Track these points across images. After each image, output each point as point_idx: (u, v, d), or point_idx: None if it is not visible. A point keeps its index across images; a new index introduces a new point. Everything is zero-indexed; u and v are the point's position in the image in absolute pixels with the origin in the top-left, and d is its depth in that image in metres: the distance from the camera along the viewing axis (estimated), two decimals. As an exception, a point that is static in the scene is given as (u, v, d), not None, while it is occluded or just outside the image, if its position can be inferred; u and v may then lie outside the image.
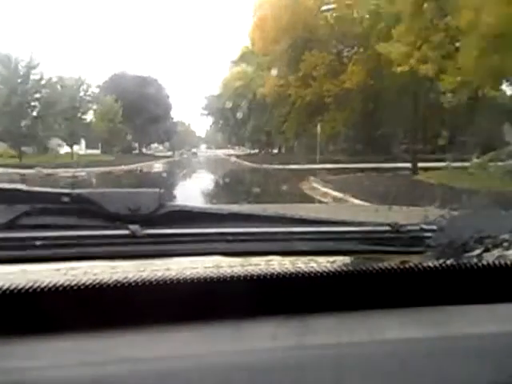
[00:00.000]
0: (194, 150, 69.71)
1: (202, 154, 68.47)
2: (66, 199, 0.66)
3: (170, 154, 60.82)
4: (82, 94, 32.81)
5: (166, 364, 0.50)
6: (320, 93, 25.56)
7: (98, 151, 40.40)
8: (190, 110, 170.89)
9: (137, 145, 46.35)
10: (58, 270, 0.60)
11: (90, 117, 34.08)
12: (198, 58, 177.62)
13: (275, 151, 44.83)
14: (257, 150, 47.76)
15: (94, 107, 33.89)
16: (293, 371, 0.50)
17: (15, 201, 0.66)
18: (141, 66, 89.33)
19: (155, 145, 63.14)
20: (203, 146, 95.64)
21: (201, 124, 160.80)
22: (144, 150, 48.86)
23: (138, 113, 40.42)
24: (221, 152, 69.97)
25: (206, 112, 50.66)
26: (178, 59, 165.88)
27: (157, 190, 0.69)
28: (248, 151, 54.39)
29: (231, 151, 69.21)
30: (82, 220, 0.66)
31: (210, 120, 56.37)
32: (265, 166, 24.20)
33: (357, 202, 8.19)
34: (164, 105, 45.00)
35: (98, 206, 0.65)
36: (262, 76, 30.72)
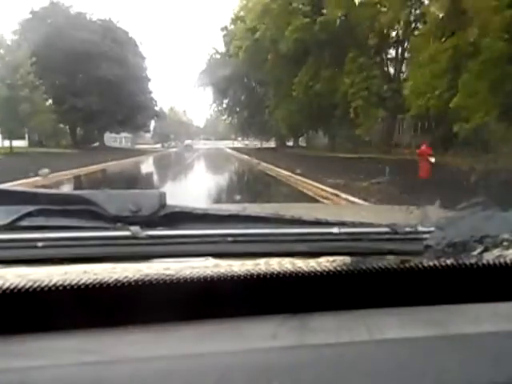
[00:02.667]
0: (187, 141, 56.34)
1: (199, 147, 54.61)
2: (67, 200, 0.68)
3: (158, 146, 45.25)
4: None
5: (166, 364, 0.51)
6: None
7: (23, 142, 24.94)
8: (187, 97, 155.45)
9: (111, 135, 30.79)
10: (59, 269, 0.61)
11: None
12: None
13: (290, 144, 35.84)
14: (266, 143, 34.42)
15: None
16: (293, 371, 0.51)
17: (17, 202, 0.67)
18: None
19: (149, 135, 48.11)
20: (201, 137, 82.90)
21: (200, 114, 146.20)
22: (121, 142, 33.29)
23: (83, 78, 24.50)
24: (222, 144, 55.90)
25: (203, 82, 34.98)
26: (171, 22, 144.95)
27: (158, 190, 0.70)
28: (257, 144, 40.26)
29: (235, 143, 54.96)
30: (83, 221, 0.66)
31: (209, 97, 41.58)
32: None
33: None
34: (133, 68, 25.47)
35: (99, 207, 0.66)
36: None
